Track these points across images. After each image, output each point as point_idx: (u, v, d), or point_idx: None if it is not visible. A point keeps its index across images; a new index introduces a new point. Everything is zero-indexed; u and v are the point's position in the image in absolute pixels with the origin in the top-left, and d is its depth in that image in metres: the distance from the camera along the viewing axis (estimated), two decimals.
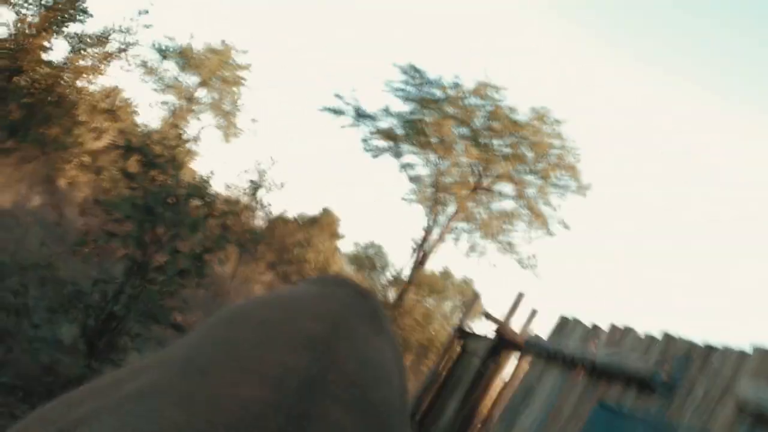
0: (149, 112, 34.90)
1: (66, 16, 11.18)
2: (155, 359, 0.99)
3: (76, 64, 11.05)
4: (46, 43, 10.62)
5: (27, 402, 6.34)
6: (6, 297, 7.22)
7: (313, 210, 28.64)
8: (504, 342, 9.54)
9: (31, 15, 10.85)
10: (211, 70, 32.68)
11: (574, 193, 26.45)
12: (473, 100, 26.05)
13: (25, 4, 10.78)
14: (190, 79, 33.53)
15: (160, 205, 6.87)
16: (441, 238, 27.53)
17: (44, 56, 10.83)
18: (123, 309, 6.99)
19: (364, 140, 29.74)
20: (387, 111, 28.41)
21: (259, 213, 25.08)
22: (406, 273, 28.51)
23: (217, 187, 23.63)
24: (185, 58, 33.10)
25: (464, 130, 26.33)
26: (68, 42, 11.18)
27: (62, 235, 13.54)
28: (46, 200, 14.83)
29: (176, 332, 13.13)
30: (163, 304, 7.02)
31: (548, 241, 28.32)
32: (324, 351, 0.94)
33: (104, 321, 7.06)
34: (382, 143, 29.17)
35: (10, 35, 10.32)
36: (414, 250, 28.66)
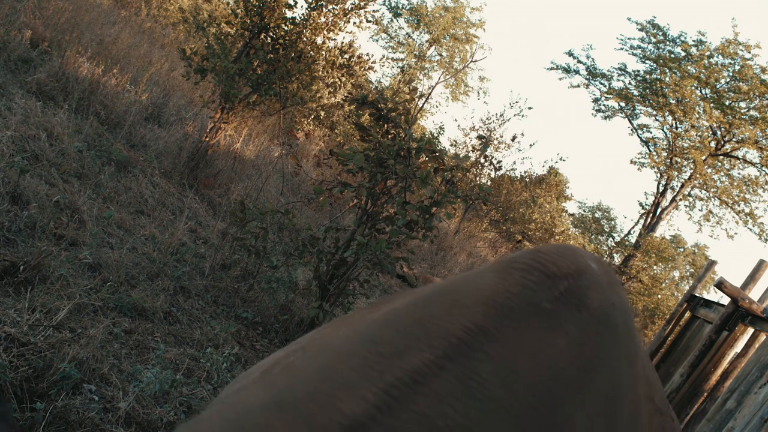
0: (380, 69, 35.55)
1: None
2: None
3: (316, 21, 11.46)
4: (290, 1, 11.08)
5: (266, 337, 6.82)
6: (248, 240, 7.74)
7: (539, 169, 28.24)
8: (740, 311, 9.03)
9: None
10: (443, 28, 32.85)
11: None
12: (718, 59, 24.40)
13: None
14: (422, 37, 33.93)
15: (391, 158, 7.06)
16: (673, 205, 26.34)
17: (288, 13, 11.34)
18: (353, 256, 7.29)
19: (596, 100, 28.94)
20: (623, 70, 27.41)
21: (486, 171, 25.18)
22: (633, 238, 27.62)
23: (445, 143, 23.91)
24: (417, 16, 33.50)
25: (706, 91, 24.82)
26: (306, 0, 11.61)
27: (298, 186, 14.31)
28: (285, 152, 15.68)
29: (402, 282, 13.58)
30: (390, 253, 7.23)
31: None
32: None
33: (335, 266, 7.41)
34: (614, 104, 28.25)
35: None
36: (642, 215, 27.67)
